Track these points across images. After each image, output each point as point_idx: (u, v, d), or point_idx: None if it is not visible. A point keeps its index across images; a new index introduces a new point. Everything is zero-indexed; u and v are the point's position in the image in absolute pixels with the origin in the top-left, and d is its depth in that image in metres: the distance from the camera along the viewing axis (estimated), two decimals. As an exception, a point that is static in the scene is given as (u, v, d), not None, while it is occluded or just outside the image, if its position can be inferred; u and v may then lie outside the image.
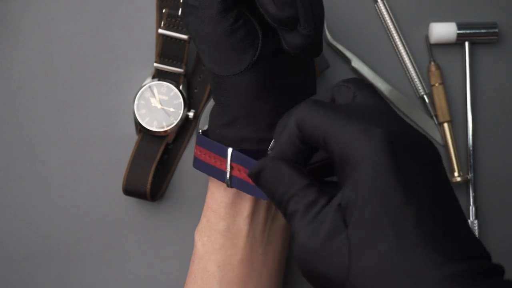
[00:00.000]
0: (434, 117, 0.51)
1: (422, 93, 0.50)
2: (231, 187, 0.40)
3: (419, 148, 0.30)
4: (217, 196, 0.42)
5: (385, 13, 0.51)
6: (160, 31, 0.48)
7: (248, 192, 0.39)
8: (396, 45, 0.50)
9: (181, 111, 0.48)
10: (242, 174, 0.39)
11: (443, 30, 0.50)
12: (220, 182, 0.42)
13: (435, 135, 0.50)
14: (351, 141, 0.30)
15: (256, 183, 0.34)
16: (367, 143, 0.29)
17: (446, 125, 0.50)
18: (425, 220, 0.28)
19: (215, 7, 0.38)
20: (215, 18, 0.38)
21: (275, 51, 0.40)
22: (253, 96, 0.39)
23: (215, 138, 0.41)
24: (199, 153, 0.42)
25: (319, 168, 0.36)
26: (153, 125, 0.48)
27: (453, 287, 0.27)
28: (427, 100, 0.50)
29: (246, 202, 0.41)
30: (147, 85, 0.49)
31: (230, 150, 0.39)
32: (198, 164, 0.42)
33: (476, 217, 0.50)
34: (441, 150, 0.50)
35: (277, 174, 0.33)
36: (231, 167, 0.39)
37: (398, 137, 0.29)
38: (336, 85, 0.35)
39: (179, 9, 0.48)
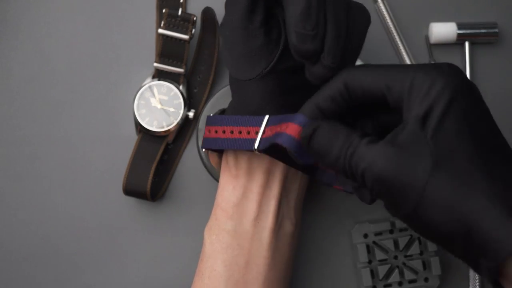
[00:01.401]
0: (434, 117, 0.51)
1: (422, 93, 0.50)
2: (260, 151, 0.37)
3: (473, 84, 0.33)
4: (226, 194, 0.42)
5: (385, 13, 0.51)
6: (160, 31, 0.48)
7: (275, 141, 0.36)
8: (396, 45, 0.51)
9: (181, 111, 0.48)
10: (270, 132, 0.37)
11: (443, 30, 0.50)
12: (230, 179, 0.42)
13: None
14: (422, 75, 0.32)
15: (308, 144, 0.34)
16: (440, 71, 0.32)
17: (446, 125, 0.50)
18: (499, 133, 0.32)
19: (241, 9, 0.38)
20: (239, 20, 0.38)
21: (293, 67, 0.39)
22: (257, 104, 0.39)
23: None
24: (213, 132, 0.40)
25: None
26: (153, 125, 0.48)
27: None
28: (427, 100, 0.50)
29: (252, 204, 0.41)
30: (147, 85, 0.49)
31: (267, 116, 0.38)
32: (211, 142, 0.41)
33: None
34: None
35: (334, 131, 0.34)
36: (263, 132, 0.37)
37: (460, 69, 0.33)
38: None
39: (179, 9, 0.48)
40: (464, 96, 0.31)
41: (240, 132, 0.39)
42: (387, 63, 0.37)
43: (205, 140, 0.42)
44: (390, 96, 0.33)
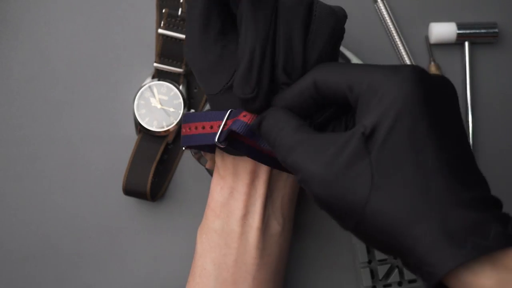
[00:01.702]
0: (434, 117, 0.51)
1: (422, 93, 0.50)
2: (221, 142, 0.38)
3: (442, 85, 0.32)
4: (215, 194, 0.42)
5: (385, 13, 0.51)
6: (160, 31, 0.48)
7: (231, 128, 0.37)
8: (396, 45, 0.51)
9: (181, 111, 0.48)
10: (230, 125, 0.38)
11: (443, 30, 0.50)
12: (218, 180, 0.42)
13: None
14: (380, 77, 0.31)
15: (259, 133, 0.36)
16: (397, 77, 0.31)
17: (446, 125, 0.50)
18: (446, 150, 0.30)
19: (195, 26, 0.38)
20: (195, 36, 0.38)
21: None
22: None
23: None
24: (187, 129, 0.41)
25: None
26: (153, 125, 0.48)
27: (469, 211, 0.29)
28: (427, 100, 0.50)
29: (238, 204, 0.41)
30: (147, 85, 0.49)
31: (229, 110, 0.38)
32: (186, 139, 0.41)
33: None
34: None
35: (277, 117, 0.34)
36: (225, 124, 0.38)
37: (424, 73, 0.31)
38: None
39: (179, 9, 0.48)
40: (415, 110, 0.30)
41: (203, 128, 0.39)
42: (386, 64, 0.37)
43: (182, 137, 0.42)
44: (350, 98, 0.33)
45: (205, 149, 0.43)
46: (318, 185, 0.31)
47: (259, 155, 0.39)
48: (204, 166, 0.46)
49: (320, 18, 0.37)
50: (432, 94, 0.31)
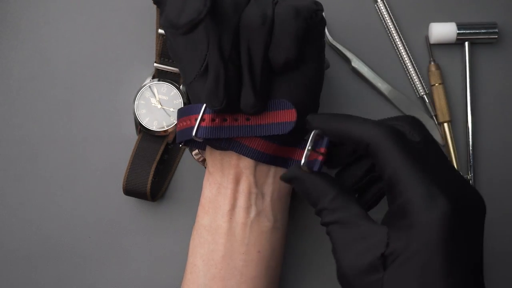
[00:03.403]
0: (434, 117, 0.51)
1: (422, 93, 0.50)
2: (198, 137, 0.39)
3: (474, 205, 0.34)
4: (204, 190, 0.43)
5: (385, 13, 0.51)
6: (160, 31, 0.48)
7: (218, 136, 0.39)
8: (396, 45, 0.51)
9: (181, 111, 0.48)
10: (211, 122, 0.39)
11: (443, 30, 0.50)
12: (207, 176, 0.42)
13: (435, 135, 0.50)
14: (417, 200, 0.33)
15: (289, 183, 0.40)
16: (430, 215, 0.32)
17: (446, 125, 0.50)
18: (454, 284, 0.32)
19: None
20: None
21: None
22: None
23: None
24: (178, 125, 0.42)
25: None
26: (153, 125, 0.48)
27: None
28: (427, 100, 0.50)
29: (225, 199, 0.41)
30: (147, 85, 0.49)
31: (204, 104, 0.40)
32: (178, 136, 0.42)
33: (476, 217, 0.50)
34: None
35: (306, 186, 0.38)
36: (202, 119, 0.39)
37: (455, 211, 0.32)
38: (389, 122, 0.37)
39: (179, 9, 0.48)
40: (437, 248, 0.32)
41: (184, 122, 0.41)
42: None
43: (177, 133, 0.43)
44: (388, 191, 0.35)
45: (198, 145, 0.43)
46: (342, 275, 0.35)
47: (244, 148, 0.40)
48: (205, 166, 0.46)
49: (281, 22, 0.38)
50: (460, 227, 0.32)
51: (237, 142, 0.40)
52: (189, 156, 0.50)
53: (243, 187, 0.41)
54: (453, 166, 0.36)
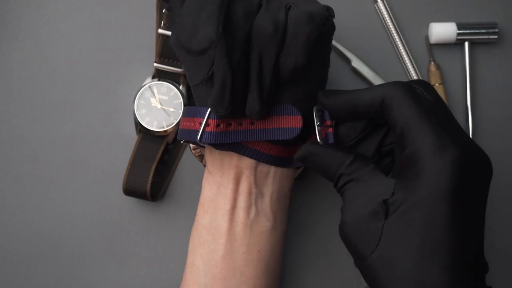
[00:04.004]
0: (434, 117, 0.51)
1: (422, 93, 0.50)
2: (202, 142, 0.39)
3: (481, 161, 0.34)
4: (203, 190, 0.43)
5: (385, 13, 0.51)
6: (160, 31, 0.48)
7: (223, 141, 0.39)
8: (396, 45, 0.51)
9: (181, 111, 0.48)
10: (216, 127, 0.39)
11: (443, 30, 0.50)
12: (206, 175, 0.42)
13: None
14: (426, 148, 0.33)
15: (303, 164, 0.40)
16: (439, 161, 0.32)
17: (446, 125, 0.50)
18: (457, 241, 0.32)
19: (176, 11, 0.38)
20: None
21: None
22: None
23: None
24: (182, 124, 0.42)
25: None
26: (153, 125, 0.48)
27: None
28: (427, 100, 0.50)
29: (225, 199, 0.41)
30: (147, 85, 0.49)
31: (209, 108, 0.39)
32: (179, 133, 0.42)
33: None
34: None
35: (324, 159, 0.38)
36: (207, 124, 0.39)
37: (464, 161, 0.32)
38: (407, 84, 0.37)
39: (179, 9, 0.48)
40: (444, 199, 0.32)
41: (193, 123, 0.40)
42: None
43: (179, 130, 0.43)
44: (399, 141, 0.35)
45: (198, 144, 0.43)
46: (343, 223, 0.36)
47: (246, 149, 0.40)
48: (203, 163, 0.46)
49: (294, 28, 0.37)
50: (467, 179, 0.32)
51: (239, 144, 0.40)
52: (189, 157, 0.51)
53: (243, 187, 0.41)
54: (462, 127, 0.37)
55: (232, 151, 0.40)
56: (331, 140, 0.40)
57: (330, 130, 0.40)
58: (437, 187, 0.32)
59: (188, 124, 0.41)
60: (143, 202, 0.50)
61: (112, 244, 0.50)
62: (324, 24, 0.38)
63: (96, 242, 0.50)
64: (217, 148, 0.41)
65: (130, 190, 0.48)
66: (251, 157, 0.41)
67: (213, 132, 0.39)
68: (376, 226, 0.34)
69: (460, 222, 0.32)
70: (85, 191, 0.50)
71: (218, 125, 0.39)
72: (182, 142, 0.43)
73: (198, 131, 0.39)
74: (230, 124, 0.39)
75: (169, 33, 0.47)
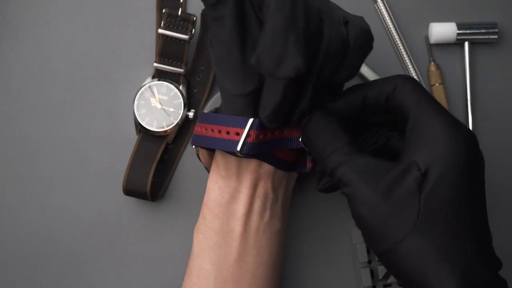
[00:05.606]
0: (434, 117, 0.51)
1: (422, 93, 0.50)
2: (242, 153, 0.38)
3: (480, 153, 0.35)
4: (212, 194, 0.42)
5: (385, 13, 0.51)
6: (160, 31, 0.48)
7: (261, 151, 0.39)
8: (396, 45, 0.51)
9: (181, 111, 0.48)
10: (256, 138, 0.39)
11: (443, 30, 0.50)
12: (217, 179, 0.42)
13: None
14: (444, 127, 0.34)
15: (303, 135, 0.39)
16: (459, 134, 0.34)
17: (446, 125, 0.50)
18: (477, 216, 0.33)
19: (228, 20, 0.37)
20: (227, 34, 0.37)
21: None
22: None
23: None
24: (203, 130, 0.41)
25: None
26: (153, 125, 0.48)
27: (488, 273, 0.32)
28: (427, 100, 0.50)
29: (239, 204, 0.41)
30: (147, 85, 0.49)
31: (251, 119, 0.38)
32: (198, 139, 0.41)
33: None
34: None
35: (326, 125, 0.38)
36: (248, 135, 0.38)
37: (476, 142, 0.35)
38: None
39: (179, 9, 0.48)
40: (465, 170, 0.33)
41: (219, 132, 0.39)
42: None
43: (194, 136, 0.41)
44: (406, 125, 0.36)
45: (235, 154, 0.42)
46: (366, 207, 0.34)
47: (267, 157, 0.40)
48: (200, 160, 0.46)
49: (355, 43, 0.37)
50: (475, 159, 0.34)
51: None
52: (189, 156, 0.51)
53: (260, 192, 0.41)
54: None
55: (257, 158, 0.40)
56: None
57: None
58: (459, 159, 0.33)
59: (211, 132, 0.39)
60: (143, 202, 0.50)
61: (112, 244, 0.50)
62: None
63: (96, 242, 0.50)
64: (248, 157, 0.40)
65: (130, 190, 0.48)
66: (272, 165, 0.40)
67: (254, 143, 0.38)
68: (414, 203, 0.33)
69: (477, 192, 0.34)
70: (85, 191, 0.50)
71: (258, 136, 0.38)
72: (194, 147, 0.42)
73: (231, 140, 0.38)
74: (266, 134, 0.39)
75: (169, 33, 0.47)
